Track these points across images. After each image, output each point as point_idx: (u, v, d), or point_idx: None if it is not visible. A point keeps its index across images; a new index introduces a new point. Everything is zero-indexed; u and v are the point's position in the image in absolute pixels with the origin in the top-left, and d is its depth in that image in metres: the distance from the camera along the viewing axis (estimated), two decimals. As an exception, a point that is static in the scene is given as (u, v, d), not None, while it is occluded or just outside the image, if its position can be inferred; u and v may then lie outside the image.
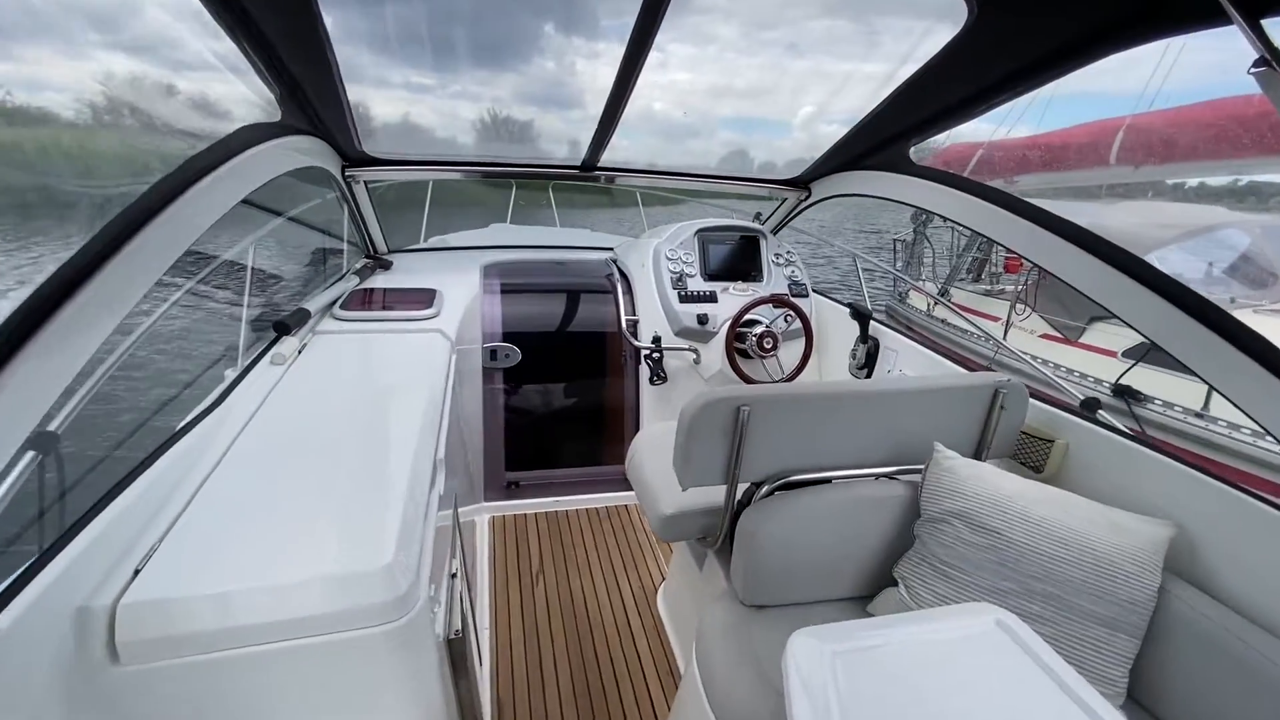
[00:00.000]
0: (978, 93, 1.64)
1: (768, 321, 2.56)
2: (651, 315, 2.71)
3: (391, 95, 2.26)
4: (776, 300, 2.52)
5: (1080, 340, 5.56)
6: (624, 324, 2.73)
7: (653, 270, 2.74)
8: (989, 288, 7.58)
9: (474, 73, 2.10)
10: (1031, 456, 1.67)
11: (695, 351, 2.63)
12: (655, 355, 2.59)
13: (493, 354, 2.65)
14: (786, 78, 2.03)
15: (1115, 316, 1.50)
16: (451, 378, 1.84)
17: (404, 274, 2.82)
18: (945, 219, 2.15)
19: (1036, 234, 1.68)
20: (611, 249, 3.41)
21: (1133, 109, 5.06)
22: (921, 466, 1.49)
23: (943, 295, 7.66)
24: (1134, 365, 4.44)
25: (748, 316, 2.54)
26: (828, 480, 1.45)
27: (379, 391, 1.57)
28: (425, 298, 2.30)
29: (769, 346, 2.47)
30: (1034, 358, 5.61)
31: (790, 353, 2.62)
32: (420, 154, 2.65)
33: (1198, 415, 3.89)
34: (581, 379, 2.89)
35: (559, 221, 6.13)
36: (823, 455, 1.44)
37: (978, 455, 1.59)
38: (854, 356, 2.55)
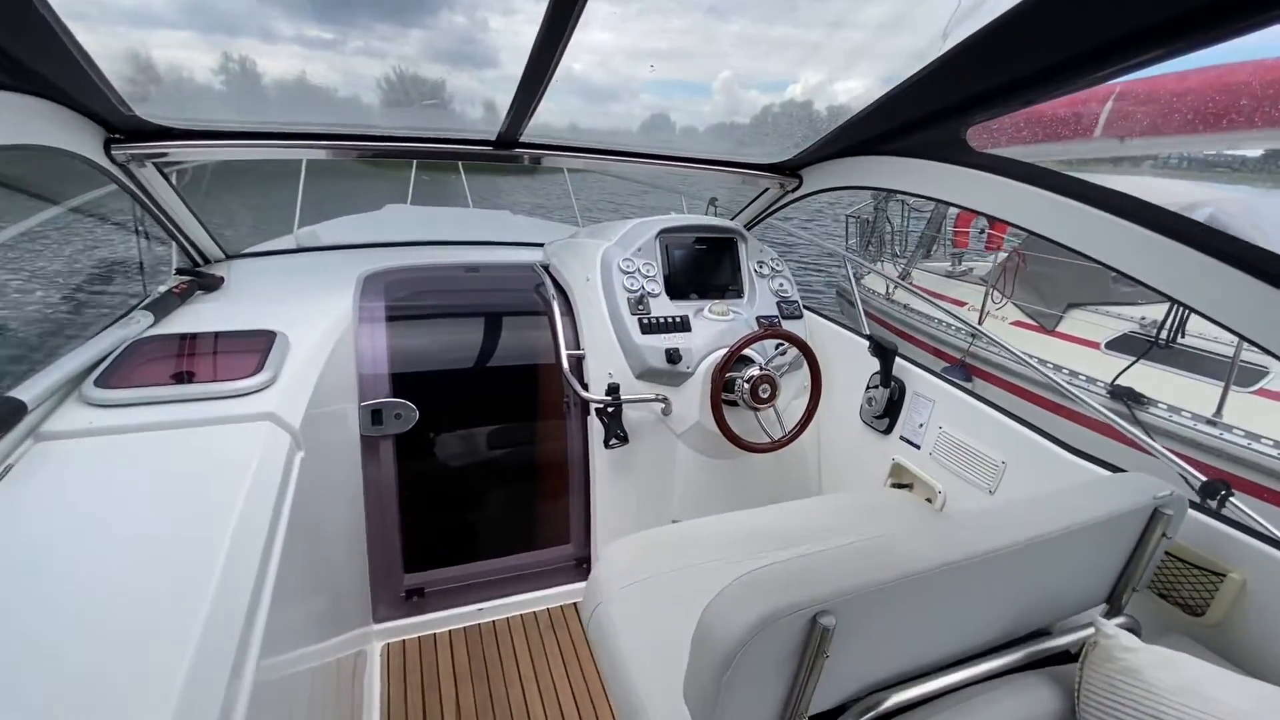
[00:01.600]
0: (1077, 57, 1.24)
1: (762, 361, 2.02)
2: (603, 350, 2.10)
3: (199, 38, 1.59)
4: (771, 331, 1.98)
5: (1057, 330, 5.39)
6: (565, 362, 2.11)
7: (603, 288, 2.12)
8: (950, 268, 7.41)
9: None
10: (1182, 590, 1.22)
11: (664, 401, 2.06)
12: (610, 410, 2.00)
13: (375, 416, 1.97)
14: (710, 40, 1.77)
15: None
16: (290, 499, 1.19)
17: (238, 299, 2.05)
18: (1023, 229, 1.68)
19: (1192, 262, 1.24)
20: (541, 245, 2.77)
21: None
22: (1048, 637, 1.03)
23: (903, 278, 7.43)
24: (1135, 362, 4.24)
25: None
26: (933, 695, 0.94)
27: (126, 573, 0.89)
28: (254, 349, 1.53)
29: (766, 396, 1.92)
30: (1031, 357, 5.41)
31: (783, 395, 2.10)
32: (247, 123, 1.91)
33: (1209, 422, 3.71)
34: (504, 434, 2.26)
35: (471, 199, 5.31)
36: (922, 650, 0.93)
37: (1114, 598, 1.14)
38: (870, 403, 2.06)
